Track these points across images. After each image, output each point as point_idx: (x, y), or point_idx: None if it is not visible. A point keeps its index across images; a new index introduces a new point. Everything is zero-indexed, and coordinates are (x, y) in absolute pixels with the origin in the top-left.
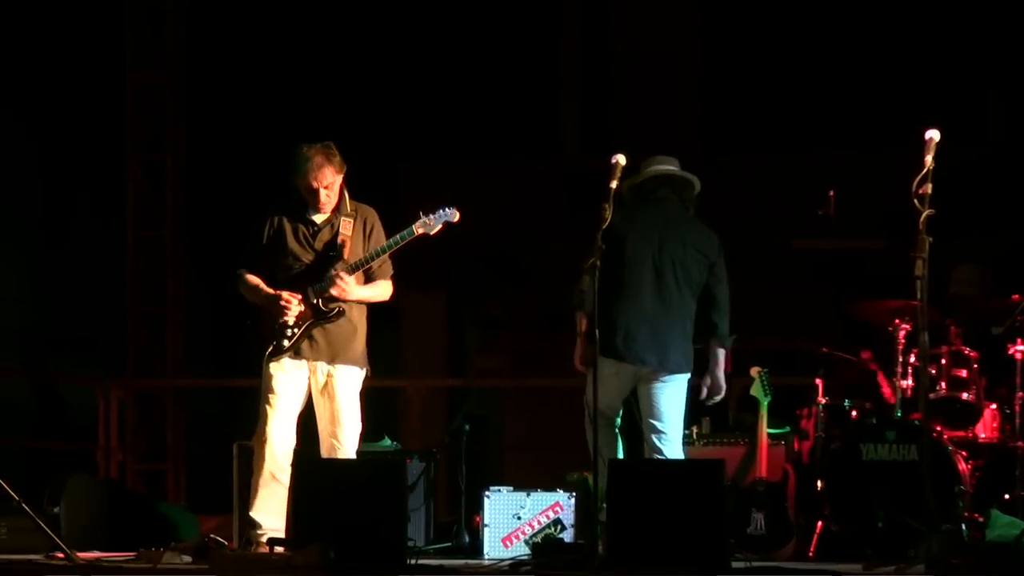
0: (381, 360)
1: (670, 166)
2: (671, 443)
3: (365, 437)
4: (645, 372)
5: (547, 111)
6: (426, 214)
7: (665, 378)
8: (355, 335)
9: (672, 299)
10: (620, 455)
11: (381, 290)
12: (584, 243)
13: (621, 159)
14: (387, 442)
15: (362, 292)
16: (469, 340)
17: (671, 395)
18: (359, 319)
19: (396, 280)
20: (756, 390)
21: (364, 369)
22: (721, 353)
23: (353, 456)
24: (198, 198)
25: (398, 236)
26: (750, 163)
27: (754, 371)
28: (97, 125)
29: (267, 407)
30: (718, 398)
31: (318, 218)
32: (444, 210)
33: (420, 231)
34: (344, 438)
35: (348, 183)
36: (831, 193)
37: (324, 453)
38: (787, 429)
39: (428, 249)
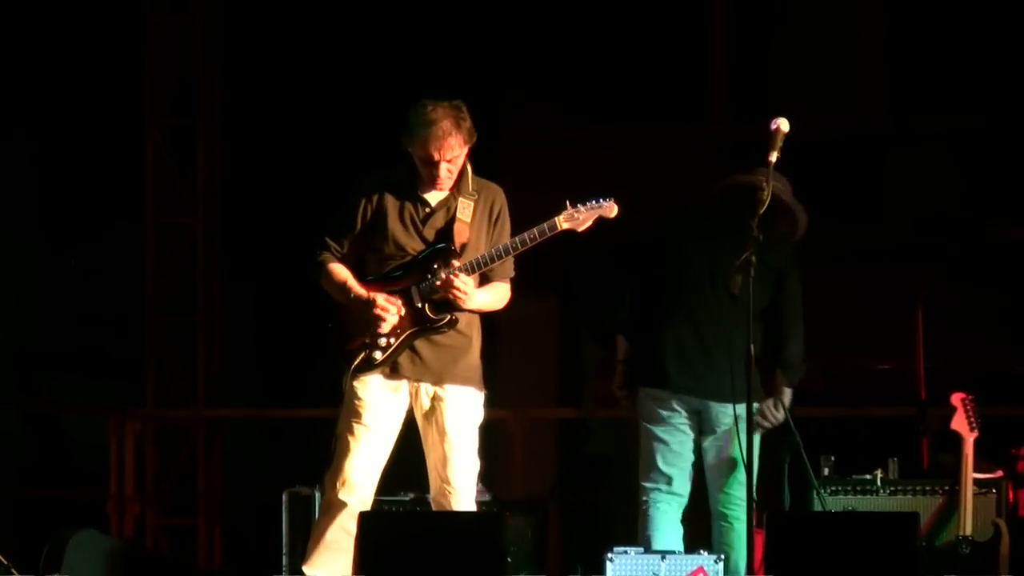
0: None
1: (782, 190)
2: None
3: None
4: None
5: (687, 63)
6: (573, 204)
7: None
8: (469, 349)
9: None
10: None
11: (499, 295)
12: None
13: (784, 124)
14: (479, 489)
15: (481, 298)
16: (587, 358)
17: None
18: (473, 330)
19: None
20: (959, 423)
21: (482, 392)
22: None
23: (471, 504)
24: (236, 176)
25: (535, 230)
26: (948, 131)
27: (956, 399)
28: (108, 80)
29: (348, 437)
30: (768, 425)
31: (432, 197)
32: (597, 200)
33: (565, 226)
34: (457, 480)
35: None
36: None
37: (434, 498)
38: (999, 474)
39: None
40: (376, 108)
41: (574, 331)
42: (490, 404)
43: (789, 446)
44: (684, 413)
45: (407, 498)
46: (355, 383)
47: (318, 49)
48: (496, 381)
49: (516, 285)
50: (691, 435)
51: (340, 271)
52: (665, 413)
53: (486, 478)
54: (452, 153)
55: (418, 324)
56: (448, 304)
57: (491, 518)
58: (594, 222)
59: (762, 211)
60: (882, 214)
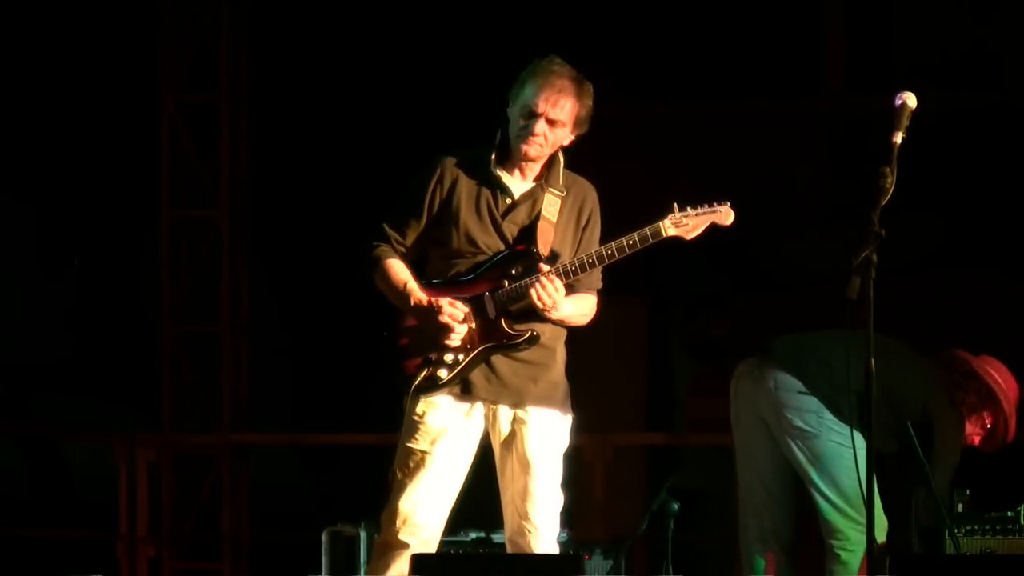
0: None
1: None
2: None
3: None
4: None
5: (797, 31)
6: (682, 206)
7: None
8: (553, 365)
9: None
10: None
11: (585, 308)
12: (853, 225)
13: (911, 100)
14: None
15: (567, 309)
16: (680, 375)
17: None
18: (559, 343)
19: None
20: None
21: (568, 416)
22: None
23: (552, 546)
24: (267, 161)
25: (635, 236)
26: None
27: None
28: (115, 50)
29: (411, 468)
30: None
31: (516, 186)
32: (711, 205)
33: (672, 232)
34: (539, 517)
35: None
36: None
37: (510, 538)
38: None
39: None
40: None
41: (664, 343)
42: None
43: (917, 478)
44: None
45: (468, 538)
46: (418, 405)
47: (363, 9)
48: (573, 402)
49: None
50: None
51: (400, 269)
52: None
53: (562, 515)
54: (559, 114)
55: (492, 339)
56: (529, 315)
57: (567, 561)
58: (706, 229)
59: (884, 201)
60: None
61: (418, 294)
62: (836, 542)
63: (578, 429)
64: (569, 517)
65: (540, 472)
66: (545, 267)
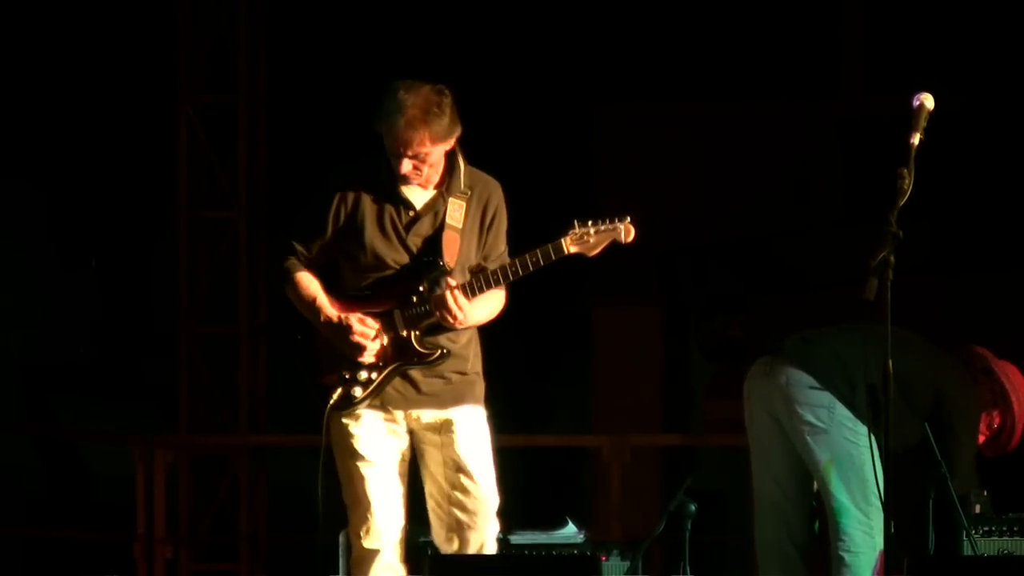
0: (564, 408)
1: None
2: None
3: (541, 522)
4: None
5: (814, 31)
6: (583, 223)
7: None
8: (467, 366)
9: None
10: None
11: (495, 305)
12: (869, 226)
13: (928, 100)
14: (570, 529)
15: (478, 314)
16: (696, 376)
17: None
18: (471, 347)
19: (584, 288)
20: None
21: (484, 410)
22: None
23: (492, 545)
24: (284, 161)
25: (538, 253)
26: None
27: None
28: (132, 50)
29: (356, 481)
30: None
31: (416, 197)
32: (611, 222)
33: (573, 249)
34: (479, 517)
35: (521, 124)
36: None
37: (443, 540)
38: None
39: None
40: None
41: (681, 344)
42: (581, 429)
43: (934, 479)
44: None
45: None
46: (343, 420)
47: (380, 8)
48: (589, 403)
49: (612, 290)
50: None
51: (309, 284)
52: None
53: (579, 515)
54: (419, 148)
55: (403, 357)
56: (439, 328)
57: (584, 562)
58: (607, 246)
59: (902, 202)
60: None
61: (328, 310)
62: (840, 543)
63: (595, 430)
64: (587, 516)
65: (475, 469)
66: (452, 281)
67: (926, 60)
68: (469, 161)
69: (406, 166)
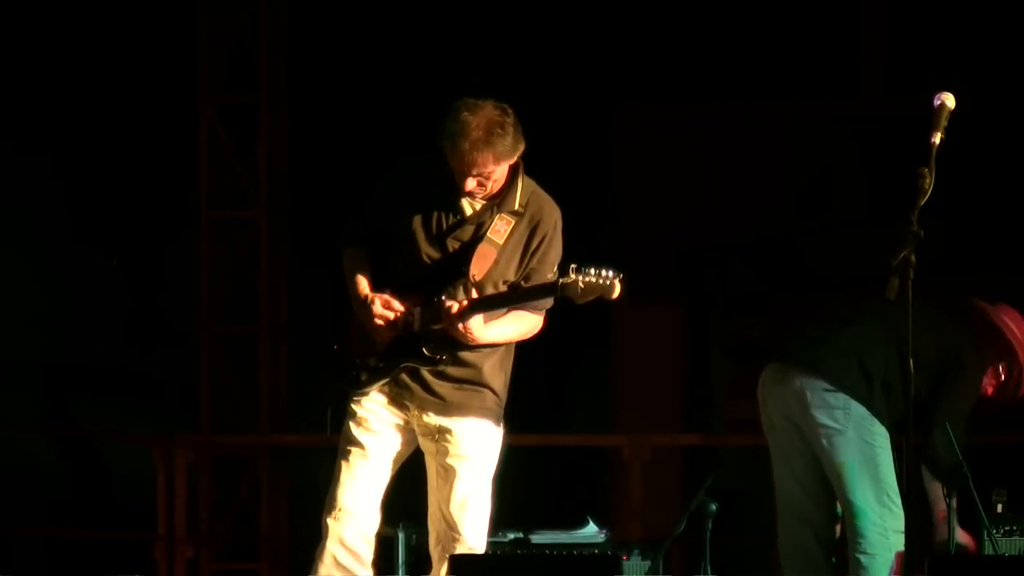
0: (584, 407)
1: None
2: None
3: (562, 521)
4: None
5: (834, 30)
6: (578, 270)
7: None
8: (480, 378)
9: None
10: None
11: (522, 329)
12: (889, 226)
13: (949, 100)
14: (591, 529)
15: (491, 334)
16: (716, 376)
17: None
18: (485, 362)
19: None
20: None
21: (499, 428)
22: None
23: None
24: (306, 160)
25: (534, 288)
26: None
27: None
28: (153, 49)
29: (343, 463)
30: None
31: (467, 204)
32: (604, 273)
33: (565, 293)
34: (465, 527)
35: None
36: None
37: (434, 546)
38: None
39: (653, 240)
40: (471, 80)
41: (702, 344)
42: (602, 428)
43: (955, 478)
44: None
45: (507, 539)
46: (355, 403)
47: (401, 8)
48: (610, 402)
49: (632, 289)
50: None
51: (355, 259)
52: None
53: (600, 514)
54: (482, 168)
55: (410, 355)
56: (449, 339)
57: (605, 561)
58: (593, 300)
59: (923, 202)
60: None
61: (362, 285)
62: (856, 545)
63: (616, 430)
64: (607, 516)
65: (463, 480)
66: (465, 293)
67: (947, 60)
68: None
69: (470, 184)
